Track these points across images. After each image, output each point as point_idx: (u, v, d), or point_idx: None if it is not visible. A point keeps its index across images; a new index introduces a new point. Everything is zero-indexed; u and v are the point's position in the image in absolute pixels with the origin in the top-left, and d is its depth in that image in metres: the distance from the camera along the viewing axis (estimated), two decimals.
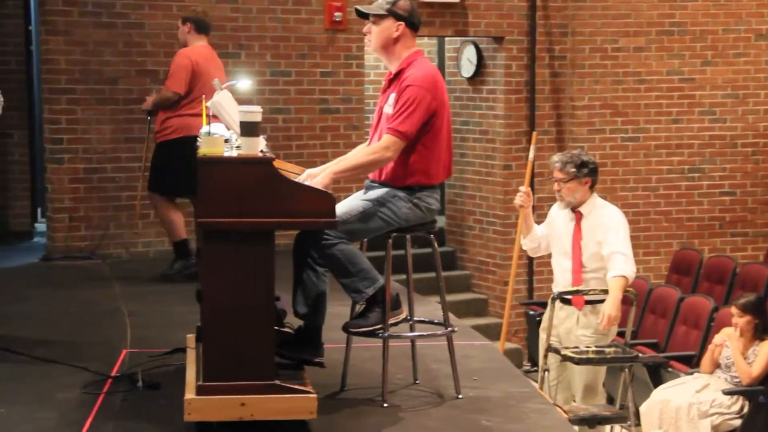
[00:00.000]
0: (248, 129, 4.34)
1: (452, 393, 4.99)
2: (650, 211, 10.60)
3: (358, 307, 4.85)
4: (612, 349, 5.99)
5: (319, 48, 9.45)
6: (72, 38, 8.70)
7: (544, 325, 6.31)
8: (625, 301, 6.07)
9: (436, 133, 4.77)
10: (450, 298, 6.09)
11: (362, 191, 4.90)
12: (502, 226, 10.31)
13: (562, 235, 6.25)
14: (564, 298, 6.17)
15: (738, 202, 10.79)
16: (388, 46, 4.83)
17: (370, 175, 4.89)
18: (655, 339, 8.68)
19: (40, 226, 9.90)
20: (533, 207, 6.57)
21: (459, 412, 4.80)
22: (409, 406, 4.85)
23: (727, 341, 7.40)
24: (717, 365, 7.47)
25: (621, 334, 6.52)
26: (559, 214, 6.33)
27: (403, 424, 4.62)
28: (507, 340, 8.51)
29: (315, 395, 4.27)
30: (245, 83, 5.53)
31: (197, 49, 7.56)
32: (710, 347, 7.54)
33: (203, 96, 5.45)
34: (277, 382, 4.25)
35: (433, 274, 5.15)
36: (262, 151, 4.43)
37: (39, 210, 10.15)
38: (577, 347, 6.01)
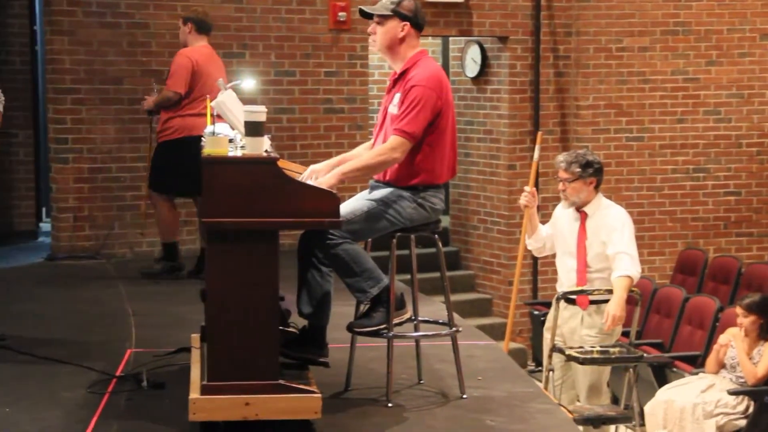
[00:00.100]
0: (253, 129, 4.34)
1: (457, 393, 4.99)
2: (655, 211, 10.59)
3: (363, 307, 4.84)
4: (616, 349, 5.98)
5: (324, 48, 9.45)
6: (77, 38, 8.71)
7: (548, 325, 6.30)
8: (630, 301, 6.07)
9: (441, 133, 4.77)
10: (454, 298, 6.11)
11: (367, 191, 4.90)
12: (506, 225, 10.31)
13: (567, 235, 6.24)
14: (568, 298, 6.16)
15: (743, 201, 10.77)
16: (394, 46, 4.82)
17: (375, 175, 4.88)
18: (660, 339, 8.67)
19: (45, 225, 9.91)
20: (538, 207, 6.57)
21: (463, 412, 4.80)
22: (414, 406, 4.84)
23: (732, 341, 7.39)
24: (722, 365, 7.46)
25: (626, 334, 6.52)
26: (563, 214, 6.32)
27: (407, 424, 4.62)
28: (511, 340, 8.52)
29: (319, 395, 4.27)
30: (249, 83, 5.55)
31: (198, 49, 7.58)
32: (715, 347, 7.53)
33: (207, 96, 5.46)
34: (282, 381, 4.25)
35: (437, 274, 5.14)
36: (266, 150, 4.43)
37: (44, 210, 10.16)
38: (581, 347, 6.01)
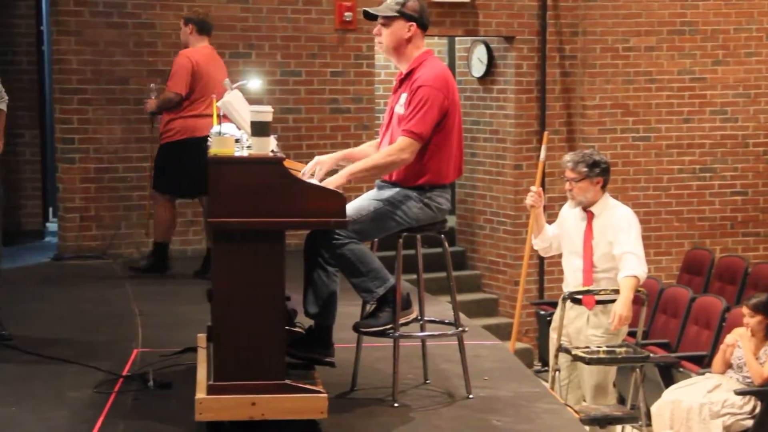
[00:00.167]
0: (259, 129, 4.34)
1: (463, 393, 4.99)
2: (661, 211, 10.58)
3: (369, 307, 4.84)
4: (623, 349, 5.98)
5: (330, 48, 9.46)
6: (83, 38, 8.73)
7: (554, 324, 6.30)
8: (637, 301, 6.06)
9: (448, 133, 4.76)
10: (460, 297, 6.09)
11: (373, 191, 4.89)
12: (512, 225, 10.31)
13: (573, 235, 6.24)
14: (575, 298, 6.16)
15: (749, 201, 10.76)
16: (400, 47, 4.81)
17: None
18: (667, 339, 8.66)
19: (52, 225, 9.93)
20: (544, 207, 6.56)
21: (469, 412, 4.80)
22: (420, 406, 4.84)
23: (739, 341, 7.38)
24: (729, 365, 7.45)
25: (632, 334, 6.51)
26: (570, 214, 6.32)
27: (413, 424, 4.61)
28: (517, 339, 8.51)
29: (325, 395, 4.27)
30: (256, 83, 5.55)
31: (198, 50, 7.60)
32: (722, 347, 7.52)
33: (209, 96, 5.47)
34: (288, 381, 4.25)
35: (443, 274, 5.14)
36: (272, 150, 4.43)
37: (50, 209, 10.17)
38: (587, 347, 6.00)
